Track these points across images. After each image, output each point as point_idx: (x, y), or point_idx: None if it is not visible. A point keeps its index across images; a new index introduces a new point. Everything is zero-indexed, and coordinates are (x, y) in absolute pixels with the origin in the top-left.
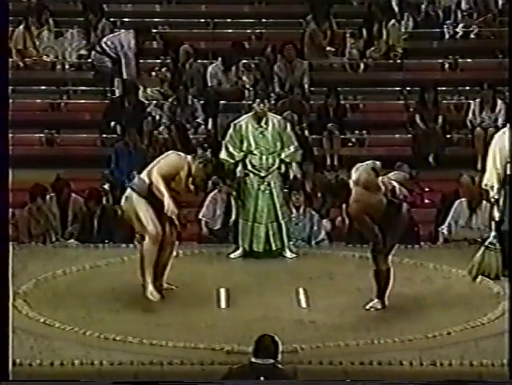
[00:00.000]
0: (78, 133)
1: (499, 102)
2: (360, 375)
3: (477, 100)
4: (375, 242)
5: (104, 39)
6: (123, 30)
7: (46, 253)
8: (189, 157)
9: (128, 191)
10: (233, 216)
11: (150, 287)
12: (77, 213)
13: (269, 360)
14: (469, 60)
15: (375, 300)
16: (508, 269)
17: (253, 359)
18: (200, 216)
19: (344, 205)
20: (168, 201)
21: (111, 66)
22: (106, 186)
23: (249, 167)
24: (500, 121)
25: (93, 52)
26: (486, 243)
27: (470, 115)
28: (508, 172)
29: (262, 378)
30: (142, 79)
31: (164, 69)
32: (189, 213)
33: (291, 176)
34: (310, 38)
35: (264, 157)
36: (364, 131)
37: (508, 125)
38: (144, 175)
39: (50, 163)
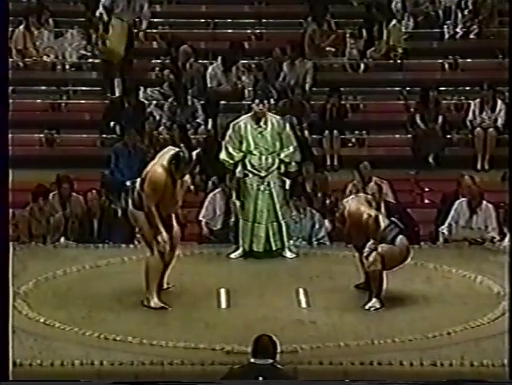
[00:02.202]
0: (78, 133)
1: (499, 102)
2: (360, 375)
3: (477, 100)
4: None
5: None
6: None
7: (46, 253)
8: (165, 162)
9: (130, 207)
10: (233, 217)
11: (155, 299)
12: (77, 213)
13: (268, 360)
14: (469, 60)
15: (374, 299)
16: None
17: (252, 360)
18: (200, 217)
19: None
20: (161, 237)
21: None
22: (105, 186)
23: (249, 167)
24: (500, 121)
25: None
26: None
27: (470, 115)
28: None
29: (261, 379)
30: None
31: (165, 70)
32: (189, 213)
33: (288, 184)
34: (310, 38)
35: (263, 157)
36: (364, 132)
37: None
38: (138, 186)
39: (50, 163)
